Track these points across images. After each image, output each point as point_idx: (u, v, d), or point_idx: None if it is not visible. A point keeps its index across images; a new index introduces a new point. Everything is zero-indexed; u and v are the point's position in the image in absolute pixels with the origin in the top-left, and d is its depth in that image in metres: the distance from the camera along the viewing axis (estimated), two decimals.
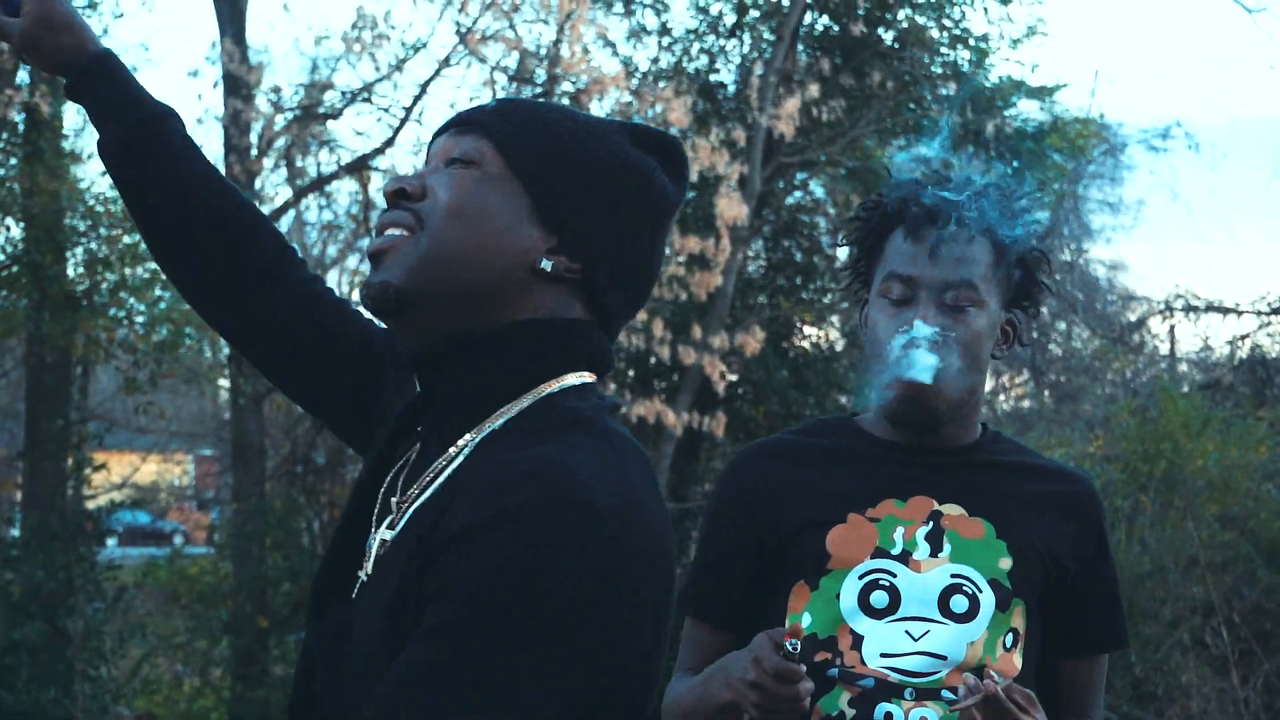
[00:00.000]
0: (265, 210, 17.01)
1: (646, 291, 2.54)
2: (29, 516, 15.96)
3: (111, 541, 17.71)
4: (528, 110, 2.49)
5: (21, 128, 15.07)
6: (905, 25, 19.15)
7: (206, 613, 18.63)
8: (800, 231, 19.86)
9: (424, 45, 16.55)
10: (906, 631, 3.13)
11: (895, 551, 3.18)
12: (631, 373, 18.09)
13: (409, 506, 2.38)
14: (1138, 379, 22.22)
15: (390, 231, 2.40)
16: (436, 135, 2.52)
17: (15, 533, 16.29)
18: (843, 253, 19.56)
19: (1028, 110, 20.44)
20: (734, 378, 17.03)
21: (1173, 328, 24.43)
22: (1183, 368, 23.82)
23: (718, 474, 3.47)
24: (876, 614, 3.15)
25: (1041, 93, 20.61)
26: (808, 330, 19.68)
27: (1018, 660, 3.20)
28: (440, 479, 2.35)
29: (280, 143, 17.27)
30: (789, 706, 2.88)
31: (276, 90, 16.97)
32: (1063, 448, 15.92)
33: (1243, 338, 21.80)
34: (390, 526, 2.40)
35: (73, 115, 15.91)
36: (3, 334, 16.48)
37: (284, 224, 20.30)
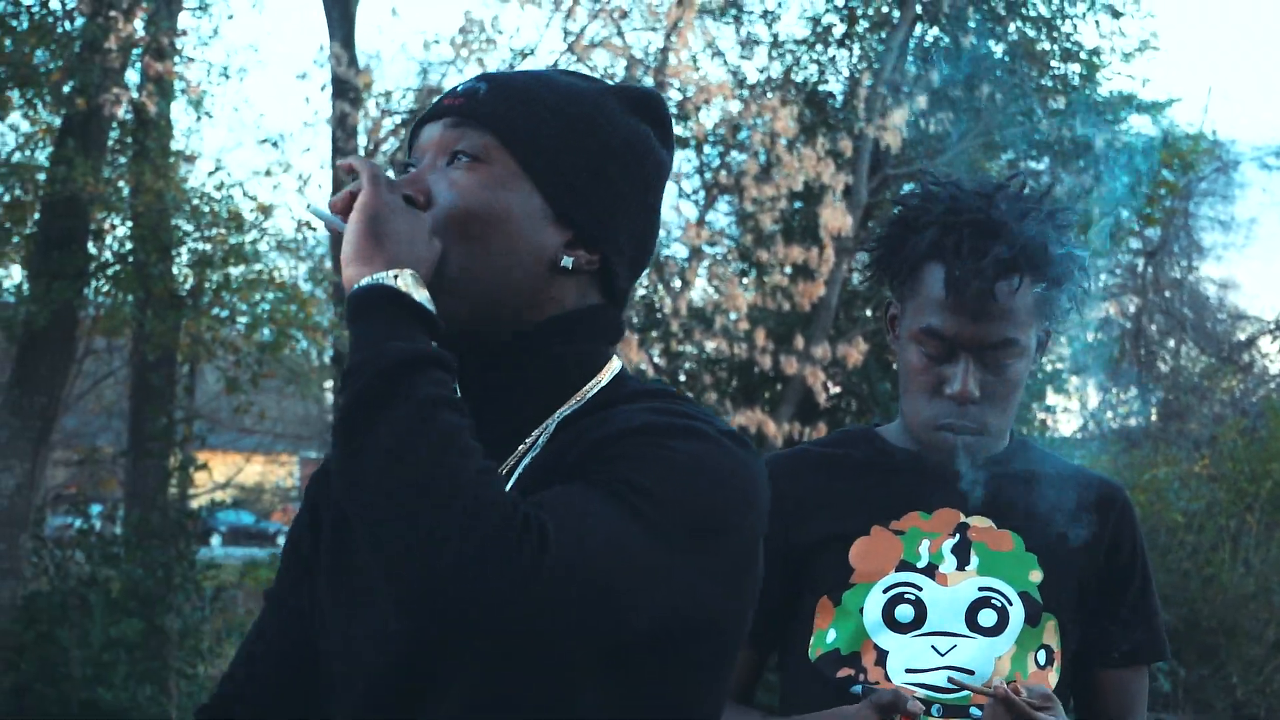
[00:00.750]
0: None
1: (649, 259, 2.52)
2: (131, 514, 16.05)
3: (215, 540, 17.80)
4: (526, 92, 2.39)
5: (130, 127, 15.12)
6: (1016, 38, 19.06)
7: None
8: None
9: (532, 51, 16.59)
10: (933, 646, 3.07)
11: (921, 565, 3.11)
12: (734, 382, 18.05)
13: None
14: (1246, 398, 22.09)
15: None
16: (425, 121, 2.43)
17: (118, 530, 16.36)
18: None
19: (1139, 125, 20.33)
20: (836, 389, 16.96)
21: None
22: None
23: None
24: (902, 629, 3.08)
25: (1153, 108, 20.48)
26: None
27: (1052, 678, 3.11)
28: (528, 458, 2.34)
29: (388, 146, 17.33)
30: None
31: (387, 95, 17.06)
32: (1168, 466, 15.79)
33: None
34: None
35: (181, 115, 16.03)
36: (109, 332, 16.61)
37: None
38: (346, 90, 16.14)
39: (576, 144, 2.36)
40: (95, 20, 13.64)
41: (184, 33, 15.28)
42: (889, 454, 3.23)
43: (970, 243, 3.05)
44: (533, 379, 2.37)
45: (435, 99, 2.48)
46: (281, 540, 25.64)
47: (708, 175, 17.40)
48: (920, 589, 3.09)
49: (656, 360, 15.54)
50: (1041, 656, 3.10)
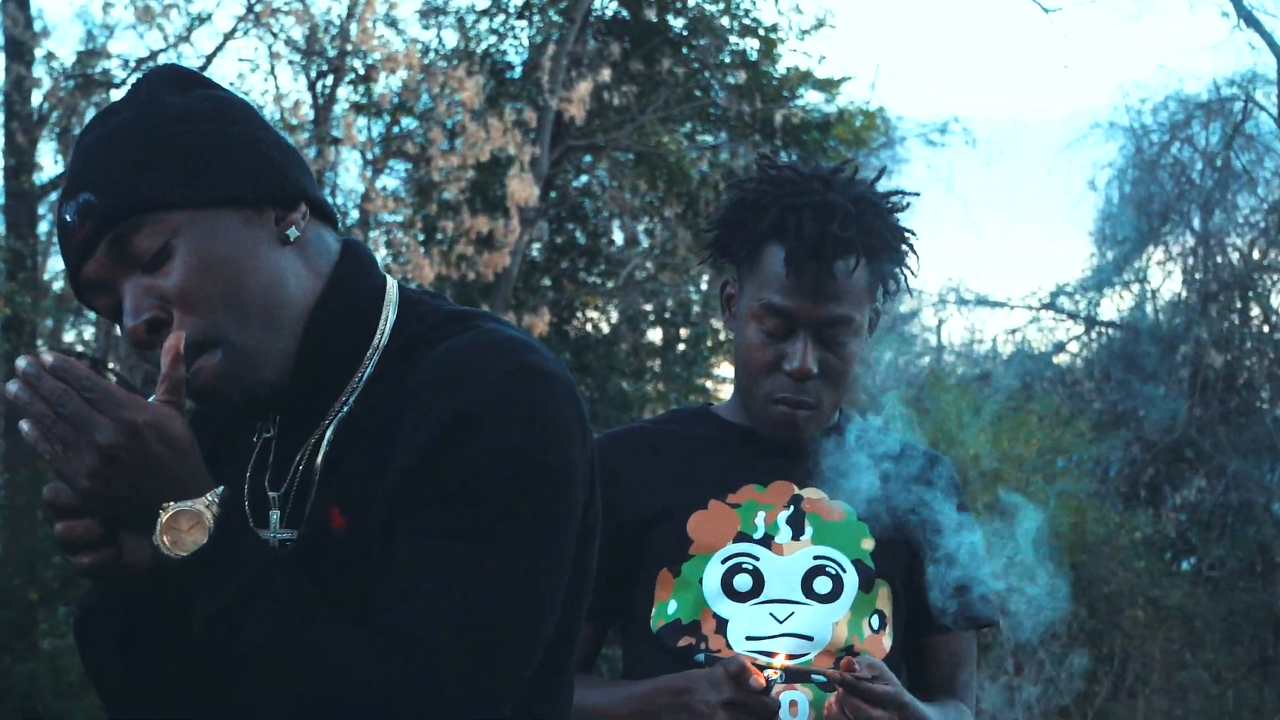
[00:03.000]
0: (41, 181, 16.84)
1: (307, 168, 2.45)
2: None
3: None
4: (117, 160, 2.28)
5: None
6: (695, 13, 19.24)
7: None
8: (584, 216, 19.89)
9: (209, 17, 16.35)
10: (771, 614, 3.11)
11: (757, 536, 3.15)
12: None
13: (302, 497, 2.35)
14: (909, 369, 22.52)
15: (200, 379, 2.26)
16: (79, 265, 2.29)
17: None
18: (619, 237, 19.69)
19: (814, 101, 20.64)
20: None
21: (943, 320, 24.78)
22: (951, 360, 24.15)
23: None
24: (740, 597, 3.12)
25: (827, 85, 20.83)
26: (589, 314, 19.75)
27: (886, 642, 3.18)
28: (326, 442, 2.34)
29: (59, 112, 16.96)
30: None
31: (49, 56, 16.66)
32: None
33: (1013, 332, 22.17)
34: (286, 525, 2.37)
35: None
36: None
37: (55, 195, 20.00)
38: (23, 52, 15.78)
39: (188, 149, 2.29)
40: None
41: None
42: (724, 429, 3.29)
43: (810, 224, 3.11)
44: (331, 360, 2.36)
45: (63, 241, 2.32)
46: None
47: (390, 145, 17.31)
48: (757, 559, 3.14)
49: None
50: (875, 621, 3.17)
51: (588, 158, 19.40)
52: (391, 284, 2.44)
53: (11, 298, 14.66)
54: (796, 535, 3.17)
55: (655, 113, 18.01)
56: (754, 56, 19.48)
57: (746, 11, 19.62)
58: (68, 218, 2.28)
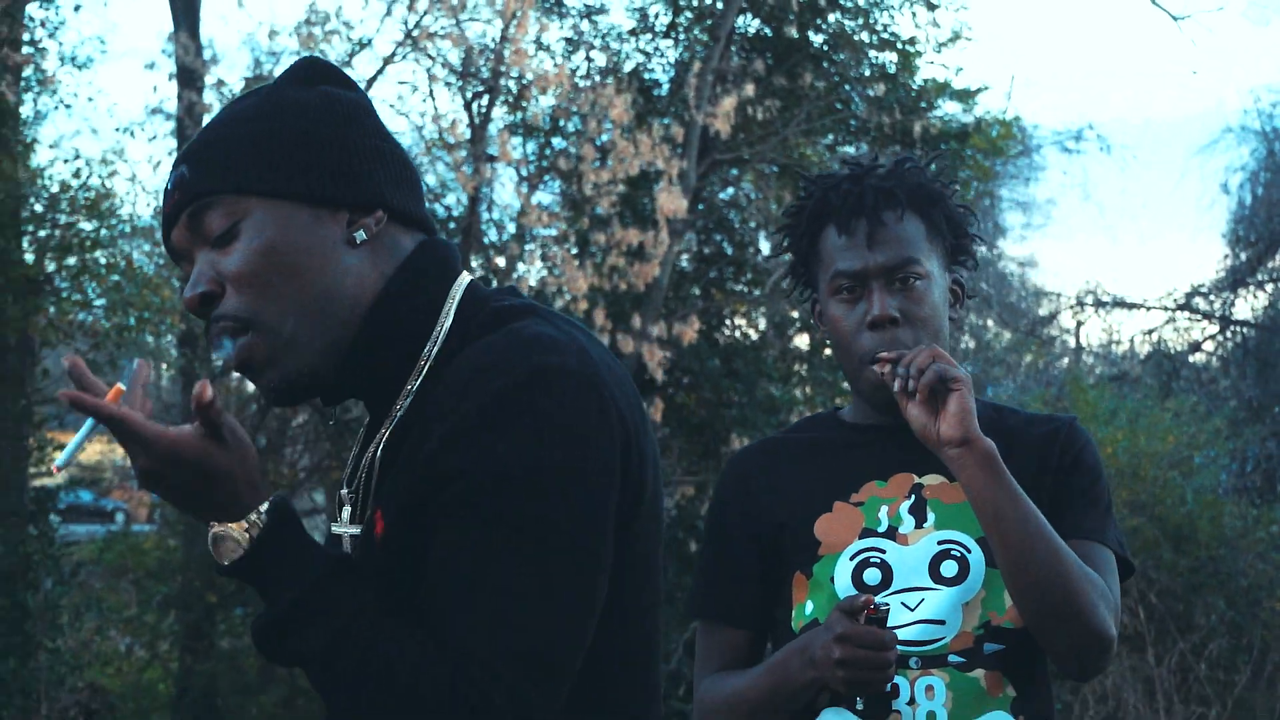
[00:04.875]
0: None
1: (413, 174, 2.53)
2: None
3: (53, 519, 17.62)
4: (216, 142, 2.37)
5: None
6: (835, 29, 19.23)
7: (154, 587, 18.63)
8: (730, 226, 19.94)
9: (369, 42, 16.57)
10: (903, 603, 3.06)
11: (882, 529, 3.12)
12: None
13: (359, 490, 2.44)
14: (1049, 370, 22.32)
15: (234, 346, 2.34)
16: (167, 231, 2.40)
17: None
18: (765, 247, 19.68)
19: (951, 112, 20.56)
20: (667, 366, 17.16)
21: (1081, 322, 24.59)
22: (1090, 360, 23.96)
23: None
24: (872, 591, 3.07)
25: (964, 95, 20.75)
26: (737, 321, 19.79)
27: None
28: (383, 442, 2.40)
29: None
30: (879, 675, 2.89)
31: (221, 84, 16.92)
32: None
33: (1149, 332, 22.01)
34: (354, 520, 2.46)
35: (31, 105, 15.88)
36: None
37: None
38: (194, 80, 16.09)
39: (277, 141, 2.36)
40: None
41: (42, 24, 15.17)
42: (845, 431, 3.29)
43: (849, 186, 3.18)
44: (384, 357, 2.41)
45: (162, 208, 2.39)
46: (120, 517, 25.25)
47: (544, 162, 17.49)
48: (884, 552, 3.11)
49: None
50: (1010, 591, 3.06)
51: (733, 171, 19.41)
52: (458, 284, 2.46)
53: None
54: (920, 524, 3.12)
55: (797, 126, 18.02)
56: (892, 69, 19.38)
57: (885, 26, 19.59)
58: (168, 186, 2.39)
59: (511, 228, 17.08)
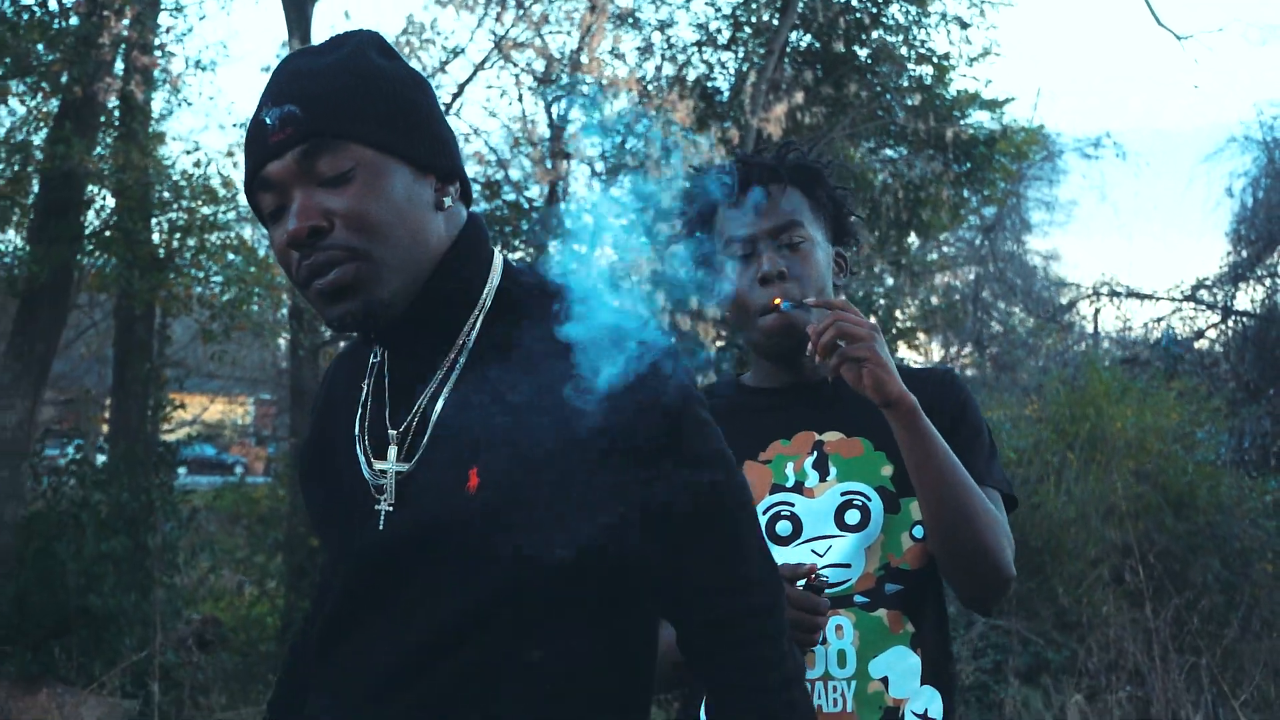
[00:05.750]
0: None
1: (457, 142, 2.53)
2: (115, 446, 16.00)
3: (181, 470, 17.73)
4: (331, 89, 2.31)
5: (117, 112, 15.08)
6: (877, 44, 19.14)
7: (265, 533, 18.69)
8: None
9: (463, 50, 16.55)
10: (813, 550, 3.05)
11: (790, 485, 3.10)
12: None
13: (419, 435, 2.37)
14: (1067, 353, 22.21)
15: (335, 271, 2.29)
16: (264, 160, 2.32)
17: (102, 460, 16.31)
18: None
19: (981, 120, 20.44)
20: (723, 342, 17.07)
21: (1097, 310, 24.45)
22: (1105, 345, 23.80)
23: None
24: (784, 541, 3.07)
25: (993, 105, 20.60)
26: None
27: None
28: (445, 391, 2.36)
29: None
30: (809, 637, 2.85)
31: None
32: (1001, 410, 15.95)
33: (1158, 320, 21.84)
34: (404, 459, 2.37)
35: (160, 102, 15.95)
36: (97, 289, 16.55)
37: None
38: None
39: (394, 104, 2.34)
40: (89, 19, 13.55)
41: (168, 30, 15.20)
42: (749, 395, 3.27)
43: (738, 169, 3.19)
44: (444, 309, 2.39)
45: (255, 139, 2.33)
46: (239, 470, 25.48)
47: (612, 158, 17.41)
48: (793, 505, 3.10)
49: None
50: (917, 531, 3.08)
51: None
52: (498, 256, 2.49)
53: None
54: (823, 477, 3.10)
55: (842, 130, 17.93)
56: (929, 81, 19.31)
57: (923, 42, 19.47)
58: (267, 120, 2.29)
59: (587, 220, 16.99)
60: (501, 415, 2.27)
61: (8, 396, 14.19)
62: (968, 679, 12.06)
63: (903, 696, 3.01)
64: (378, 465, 2.39)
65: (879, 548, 3.06)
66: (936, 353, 27.16)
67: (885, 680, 3.01)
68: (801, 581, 2.89)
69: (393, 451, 2.38)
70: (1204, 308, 21.64)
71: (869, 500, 3.08)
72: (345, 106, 2.29)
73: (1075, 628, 12.56)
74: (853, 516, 3.07)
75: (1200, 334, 21.57)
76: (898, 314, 19.91)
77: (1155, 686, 11.60)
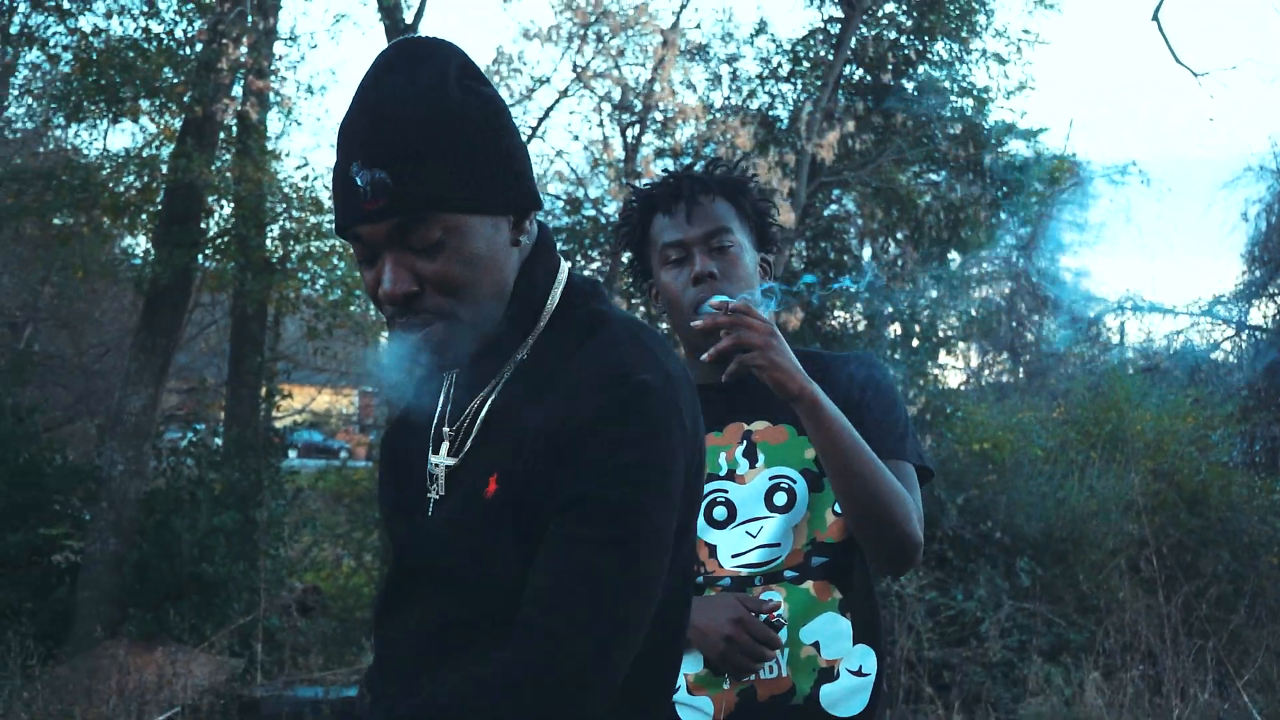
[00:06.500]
0: None
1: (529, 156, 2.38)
2: (230, 431, 16.15)
3: (292, 454, 17.84)
4: (419, 152, 2.14)
5: (235, 130, 15.20)
6: (923, 78, 19.06)
7: (363, 511, 18.75)
8: (834, 236, 19.77)
9: (547, 80, 16.54)
10: (746, 532, 3.04)
11: (723, 473, 3.08)
12: None
13: (467, 434, 2.30)
14: (1094, 362, 22.11)
15: (425, 331, 2.18)
16: (358, 221, 2.17)
17: (217, 443, 16.44)
18: (866, 253, 19.56)
19: (1017, 148, 20.32)
20: None
21: (1121, 323, 24.29)
22: (1129, 354, 23.65)
23: None
24: (720, 525, 3.06)
25: (1028, 135, 20.46)
26: (837, 313, 19.62)
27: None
28: (492, 398, 2.28)
29: None
30: (752, 665, 2.87)
31: None
32: (1032, 413, 15.85)
33: (1178, 333, 21.67)
34: (452, 454, 2.31)
35: (275, 123, 16.03)
36: (215, 289, 16.68)
37: None
38: None
39: (479, 159, 2.19)
40: (211, 46, 13.65)
41: (281, 57, 15.28)
42: None
43: (671, 180, 3.17)
44: (509, 329, 2.28)
45: (346, 196, 2.16)
46: (343, 454, 25.54)
47: None
48: (727, 491, 3.08)
49: (642, 312, 15.48)
50: (839, 507, 3.04)
51: (836, 191, 19.27)
52: (564, 267, 2.36)
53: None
54: (753, 464, 3.09)
55: (890, 156, 17.82)
56: (970, 112, 19.20)
57: (964, 77, 19.39)
58: (359, 181, 2.14)
59: None
60: (524, 428, 2.21)
61: (134, 384, 14.31)
62: (995, 656, 11.97)
63: (836, 657, 3.02)
64: (433, 459, 2.35)
65: (805, 525, 3.06)
66: (975, 359, 27.02)
67: (817, 645, 3.01)
68: (764, 615, 2.93)
69: (445, 447, 2.33)
70: (1220, 322, 21.44)
71: (794, 483, 3.07)
72: (434, 174, 2.14)
73: (1094, 611, 12.45)
74: (780, 499, 3.06)
75: (1216, 346, 21.40)
76: (940, 324, 19.74)
77: (1166, 666, 11.48)
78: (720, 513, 3.07)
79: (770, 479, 3.08)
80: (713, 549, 3.06)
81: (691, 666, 3.01)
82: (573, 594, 2.11)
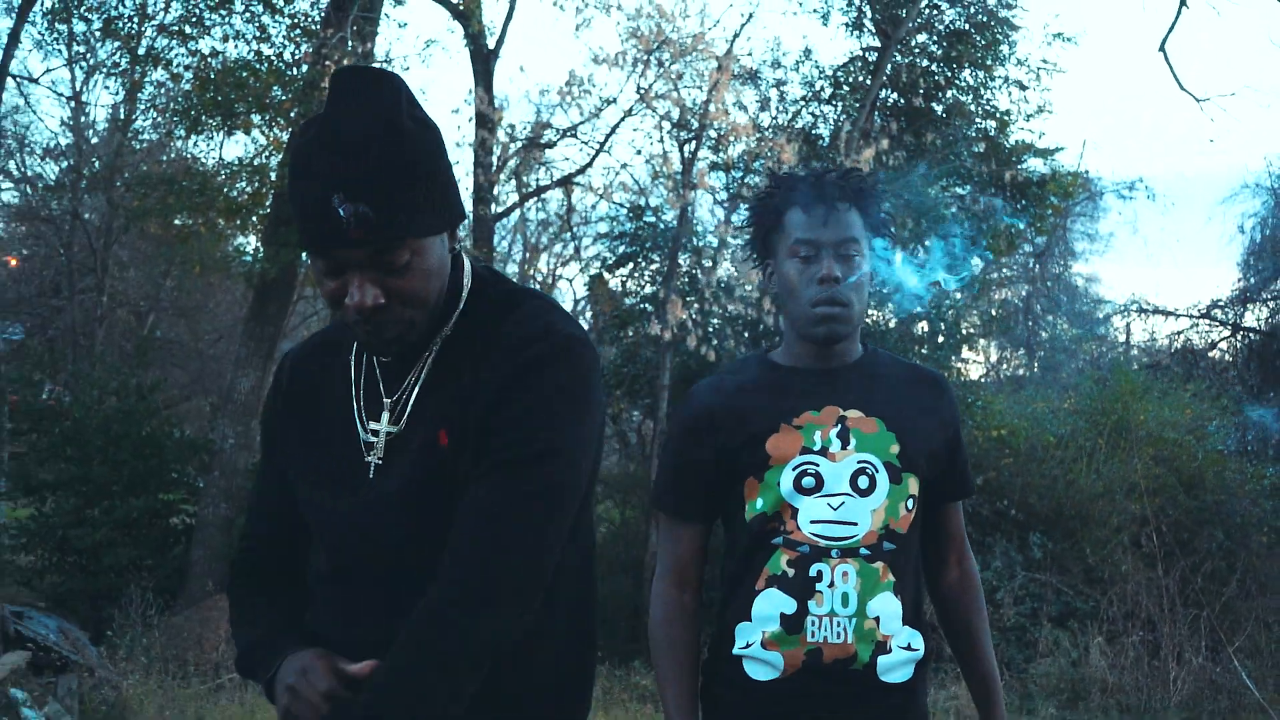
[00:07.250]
0: (496, 210, 17.28)
1: None
2: None
3: None
4: (393, 187, 2.19)
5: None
6: (950, 101, 18.99)
7: None
8: None
9: (614, 100, 16.58)
10: (828, 504, 3.02)
11: (817, 448, 3.06)
12: (747, 334, 18.07)
13: (405, 400, 2.36)
14: (1102, 358, 21.99)
15: (389, 334, 2.30)
16: (334, 246, 2.20)
17: None
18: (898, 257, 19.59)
19: (1035, 166, 20.20)
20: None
21: (1127, 324, 24.15)
22: (1134, 352, 23.51)
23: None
24: (807, 493, 3.02)
25: (1045, 153, 20.34)
26: (873, 310, 19.57)
27: (915, 518, 3.14)
28: (425, 368, 2.36)
29: (511, 163, 17.35)
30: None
31: (512, 127, 17.05)
32: (1045, 403, 15.78)
33: (1178, 333, 21.52)
34: (393, 421, 2.36)
35: None
36: (316, 284, 16.74)
37: (511, 221, 20.21)
38: (486, 122, 16.18)
39: (437, 188, 2.26)
40: (315, 67, 13.73)
41: None
42: (783, 371, 3.21)
43: (814, 181, 3.15)
44: (437, 316, 2.38)
45: (324, 222, 2.18)
46: None
47: (732, 189, 17.37)
48: (818, 465, 3.06)
49: (694, 316, 15.48)
50: (909, 504, 3.09)
51: None
52: (465, 261, 2.44)
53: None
54: (845, 446, 3.07)
55: (920, 172, 17.78)
56: (992, 132, 19.15)
57: (988, 101, 19.35)
58: (340, 212, 2.17)
59: (710, 239, 16.97)
60: (462, 383, 2.30)
61: (244, 367, 14.44)
62: (1009, 621, 11.95)
63: (890, 633, 3.04)
64: (372, 427, 2.38)
65: (882, 511, 3.06)
66: (994, 354, 26.91)
67: (878, 619, 3.02)
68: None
69: (385, 416, 2.37)
70: (1217, 324, 21.29)
71: (877, 471, 3.06)
72: (408, 207, 2.21)
73: (1099, 582, 12.40)
74: (863, 482, 3.05)
75: (1214, 345, 21.24)
76: (963, 322, 19.66)
77: (1164, 633, 11.44)
78: (809, 482, 3.05)
79: (859, 463, 3.07)
80: (795, 511, 3.05)
81: (768, 625, 3.03)
82: (499, 518, 2.19)
